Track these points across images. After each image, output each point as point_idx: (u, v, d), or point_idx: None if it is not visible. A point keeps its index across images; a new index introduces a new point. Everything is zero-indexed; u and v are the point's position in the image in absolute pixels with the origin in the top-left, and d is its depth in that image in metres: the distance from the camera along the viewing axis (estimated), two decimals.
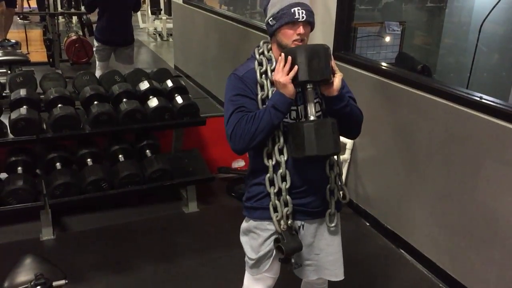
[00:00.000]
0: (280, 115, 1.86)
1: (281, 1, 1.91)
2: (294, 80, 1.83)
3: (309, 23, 1.92)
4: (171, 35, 9.84)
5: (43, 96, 3.66)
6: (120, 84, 3.77)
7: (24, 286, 2.05)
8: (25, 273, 2.23)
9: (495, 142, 2.68)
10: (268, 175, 1.96)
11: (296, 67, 1.81)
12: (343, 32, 3.83)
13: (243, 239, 2.17)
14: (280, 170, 1.94)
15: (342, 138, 3.71)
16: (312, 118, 1.89)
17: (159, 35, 10.66)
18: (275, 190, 1.96)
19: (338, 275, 2.18)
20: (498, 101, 2.73)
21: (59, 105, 3.48)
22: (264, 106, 1.91)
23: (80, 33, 7.69)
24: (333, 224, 2.10)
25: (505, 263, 2.71)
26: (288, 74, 1.82)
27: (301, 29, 1.88)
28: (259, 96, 1.94)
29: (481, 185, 2.79)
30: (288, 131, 1.92)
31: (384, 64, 3.65)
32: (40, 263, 2.35)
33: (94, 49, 5.49)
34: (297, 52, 1.83)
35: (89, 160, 3.58)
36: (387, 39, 4.25)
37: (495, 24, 4.31)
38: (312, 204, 2.05)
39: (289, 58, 1.82)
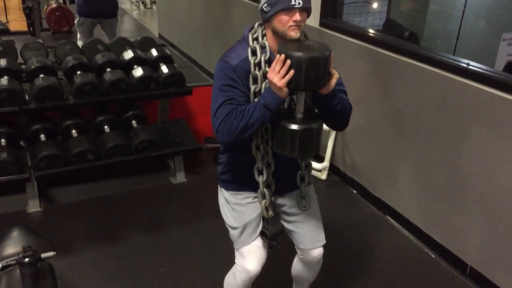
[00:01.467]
0: (271, 114, 1.82)
1: None
2: (288, 84, 1.75)
3: (306, 9, 1.82)
4: (154, 2, 9.63)
5: (24, 66, 3.57)
6: (104, 53, 3.69)
7: (12, 259, 2.04)
8: (12, 245, 2.21)
9: (481, 108, 2.69)
10: (257, 165, 1.99)
11: (292, 72, 1.72)
12: None
13: (224, 210, 2.20)
14: (267, 158, 1.99)
15: None
16: (299, 116, 1.86)
17: (142, 2, 10.43)
18: (264, 179, 2.00)
19: (320, 239, 2.21)
20: (484, 67, 2.73)
21: (41, 75, 3.40)
22: (256, 99, 1.86)
23: (61, 0, 7.48)
24: (305, 207, 2.14)
25: (488, 227, 2.77)
26: (284, 78, 1.73)
27: (297, 16, 1.79)
28: (252, 89, 1.88)
29: (466, 151, 2.82)
30: (273, 127, 1.90)
31: (371, 31, 3.62)
32: (28, 235, 2.33)
33: (76, 22, 5.33)
34: (297, 59, 1.72)
35: (73, 131, 3.53)
36: (375, 5, 4.21)
37: None
38: (283, 184, 2.11)
39: (288, 62, 1.72)
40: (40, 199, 3.46)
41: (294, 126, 1.81)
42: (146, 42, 4.09)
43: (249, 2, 4.79)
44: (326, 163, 3.93)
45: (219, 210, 2.23)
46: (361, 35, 3.54)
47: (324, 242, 2.22)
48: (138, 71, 3.62)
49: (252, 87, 1.88)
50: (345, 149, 3.87)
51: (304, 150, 1.86)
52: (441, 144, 2.99)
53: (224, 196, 2.18)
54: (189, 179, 3.92)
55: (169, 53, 4.00)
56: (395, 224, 3.43)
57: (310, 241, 2.20)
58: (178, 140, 3.95)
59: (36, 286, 1.98)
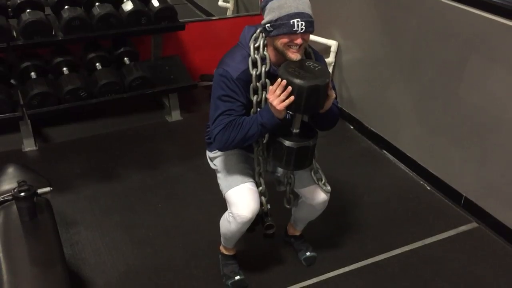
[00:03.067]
0: (267, 131, 1.94)
1: (280, 8, 1.78)
2: (287, 108, 1.82)
3: (309, 32, 1.83)
4: None
5: (9, 2, 3.43)
6: None
7: (8, 194, 2.04)
8: (8, 181, 2.20)
9: (483, 36, 2.61)
10: (257, 169, 2.12)
11: (292, 98, 1.78)
12: None
13: (211, 162, 2.28)
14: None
15: (327, 40, 3.61)
16: (295, 131, 1.95)
17: None
18: (261, 170, 2.12)
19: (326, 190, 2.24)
20: None
21: (28, 10, 3.27)
22: (258, 109, 1.94)
23: None
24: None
25: (483, 160, 2.77)
26: (283, 102, 1.79)
27: (299, 41, 1.81)
28: (254, 100, 1.95)
29: (465, 81, 2.77)
30: (270, 142, 2.01)
31: None
32: (24, 171, 2.32)
33: None
34: (298, 87, 1.76)
35: (65, 68, 3.44)
36: None
37: None
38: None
39: (289, 88, 1.77)
40: (35, 138, 3.44)
41: (291, 144, 1.91)
42: None
43: None
44: None
45: None
46: None
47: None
48: (128, 5, 3.48)
49: (254, 98, 1.95)
50: (342, 84, 3.81)
51: (299, 165, 1.99)
52: (440, 75, 2.93)
53: (209, 156, 2.28)
54: (185, 117, 3.89)
55: None
56: (392, 158, 3.43)
57: (313, 181, 2.19)
58: (173, 77, 3.88)
59: (34, 220, 1.99)
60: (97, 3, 3.44)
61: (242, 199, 2.07)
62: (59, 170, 3.20)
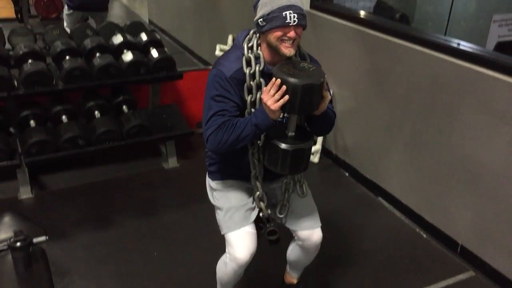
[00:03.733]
0: (261, 132, 1.89)
1: (272, 2, 1.81)
2: (282, 108, 1.79)
3: (301, 25, 1.84)
4: None
5: (12, 52, 3.53)
6: (93, 38, 3.65)
7: (4, 243, 2.04)
8: (4, 230, 2.22)
9: (472, 88, 2.69)
10: (253, 173, 2.06)
11: (287, 97, 1.76)
12: None
13: (210, 195, 2.24)
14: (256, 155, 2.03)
15: None
16: (290, 134, 1.91)
17: None
18: (257, 173, 2.05)
19: (315, 222, 2.21)
20: (475, 47, 2.73)
21: (29, 61, 3.36)
22: (252, 109, 1.91)
23: None
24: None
25: (479, 207, 2.79)
26: (278, 101, 1.77)
27: (292, 33, 1.81)
28: (248, 100, 1.92)
29: (457, 131, 2.83)
30: (265, 145, 1.96)
31: (362, 12, 3.60)
32: (20, 220, 2.34)
33: (64, 11, 5.24)
34: (292, 85, 1.74)
35: (64, 117, 3.50)
36: None
37: None
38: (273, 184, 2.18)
39: (283, 88, 1.75)
40: (31, 185, 3.45)
41: (286, 146, 1.87)
42: (135, 27, 4.05)
43: None
44: (318, 146, 3.94)
45: None
46: (352, 17, 3.52)
47: (319, 224, 2.22)
48: (128, 56, 3.58)
49: (248, 98, 1.91)
50: (337, 132, 3.88)
51: (294, 168, 1.93)
52: (432, 124, 2.99)
53: (210, 185, 2.23)
54: (181, 164, 3.92)
55: (159, 37, 3.96)
56: (387, 205, 3.45)
57: (308, 223, 2.19)
58: (170, 125, 3.93)
59: (28, 270, 1.98)
60: (98, 54, 3.53)
61: (240, 242, 2.08)
62: (54, 218, 3.19)
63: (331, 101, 2.01)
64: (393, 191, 3.41)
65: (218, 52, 4.94)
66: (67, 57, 3.45)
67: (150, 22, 7.56)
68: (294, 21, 1.80)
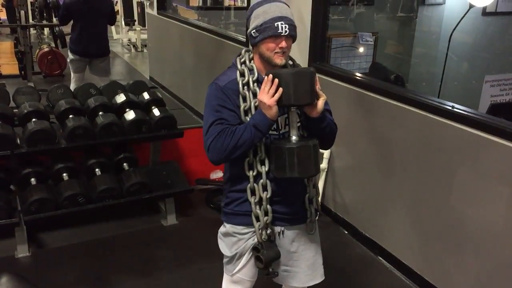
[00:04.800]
0: (261, 135, 1.89)
1: (264, 13, 1.91)
2: (279, 102, 1.84)
3: (292, 37, 1.94)
4: (145, 46, 9.80)
5: (16, 111, 3.60)
6: (96, 97, 3.74)
7: None
8: None
9: (467, 149, 2.75)
10: (249, 184, 1.99)
11: (281, 90, 1.82)
12: (318, 43, 3.89)
13: (221, 242, 2.22)
14: (261, 180, 1.98)
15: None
16: (294, 138, 1.92)
17: (134, 46, 10.60)
18: (256, 200, 1.99)
19: (317, 276, 2.21)
20: (469, 110, 2.81)
21: (33, 120, 3.43)
22: (247, 117, 1.93)
23: (53, 44, 7.59)
24: (312, 232, 2.17)
25: (479, 268, 2.78)
26: (273, 96, 1.83)
27: (283, 43, 1.90)
28: (241, 108, 1.95)
29: (454, 191, 2.86)
30: (270, 150, 1.95)
31: (358, 74, 3.72)
32: (17, 282, 2.30)
33: (68, 60, 5.42)
34: (284, 76, 1.83)
35: (65, 174, 3.53)
36: (361, 49, 4.33)
37: (464, 33, 4.44)
38: (292, 211, 2.10)
39: (276, 80, 1.83)
40: (29, 243, 3.42)
41: (290, 144, 1.89)
42: (138, 86, 4.16)
43: (239, 46, 4.90)
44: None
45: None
46: (348, 78, 3.63)
47: (323, 277, 2.22)
48: (130, 115, 3.66)
49: (242, 106, 1.95)
50: (336, 190, 3.90)
51: (303, 168, 1.89)
52: (430, 184, 3.03)
53: (225, 227, 2.17)
54: (181, 221, 3.91)
55: (160, 96, 4.06)
56: (387, 264, 3.42)
57: (305, 278, 2.18)
58: (169, 182, 3.96)
59: None
60: (100, 113, 3.61)
61: (235, 286, 2.16)
62: (52, 278, 3.15)
63: (331, 113, 2.08)
64: (393, 250, 3.39)
65: None
66: (71, 116, 3.52)
67: (151, 78, 7.74)
68: (286, 31, 1.89)
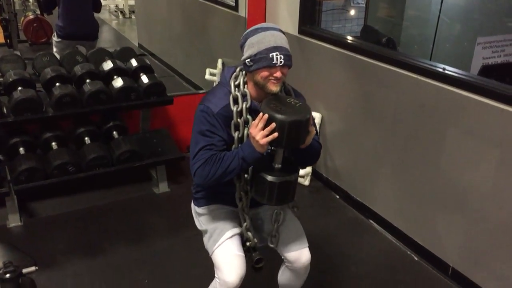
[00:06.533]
0: (248, 166, 1.96)
1: (259, 43, 1.89)
2: (270, 143, 1.86)
3: (287, 66, 1.92)
4: (133, 12, 9.59)
5: (1, 79, 3.53)
6: (83, 64, 3.66)
7: None
8: None
9: (458, 112, 2.74)
10: (239, 205, 2.12)
11: (276, 135, 1.82)
12: (308, 6, 3.82)
13: (196, 220, 2.28)
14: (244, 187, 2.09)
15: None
16: (277, 166, 1.97)
17: (121, 12, 10.37)
18: (243, 205, 2.11)
19: (303, 243, 2.23)
20: (460, 72, 2.79)
21: (19, 88, 3.36)
22: (239, 145, 1.97)
23: (38, 12, 7.41)
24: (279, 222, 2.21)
25: (468, 228, 2.81)
26: (266, 137, 1.83)
27: (278, 74, 1.89)
28: (235, 136, 1.98)
29: (445, 154, 2.87)
30: (252, 177, 2.02)
31: (349, 37, 3.67)
32: (8, 251, 2.30)
33: (54, 42, 5.25)
34: (279, 122, 1.81)
35: (53, 143, 3.49)
36: (352, 12, 4.27)
37: None
38: None
39: (272, 125, 1.82)
40: (20, 213, 3.41)
41: (272, 179, 1.94)
42: (125, 52, 4.07)
43: (228, 10, 4.81)
44: (308, 169, 3.95)
45: None
46: (339, 42, 3.58)
47: (307, 244, 2.24)
48: (118, 82, 3.60)
49: (235, 134, 1.99)
50: (327, 155, 3.90)
51: (281, 199, 2.00)
52: (421, 147, 3.03)
53: (197, 211, 2.27)
54: (172, 189, 3.91)
55: (149, 63, 3.99)
56: (378, 228, 3.46)
57: (296, 245, 2.21)
58: (160, 149, 3.94)
59: None
60: (88, 80, 3.54)
61: (228, 265, 2.08)
62: (44, 247, 3.16)
63: (317, 132, 2.08)
64: (384, 213, 3.42)
65: (208, 76, 4.98)
66: (57, 84, 3.45)
67: (140, 46, 7.60)
68: (281, 62, 1.87)
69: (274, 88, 1.91)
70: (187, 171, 4.18)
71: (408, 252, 3.20)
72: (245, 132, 1.97)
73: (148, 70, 3.86)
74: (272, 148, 1.99)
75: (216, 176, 1.94)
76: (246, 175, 2.05)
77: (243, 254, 2.14)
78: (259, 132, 1.84)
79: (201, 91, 4.68)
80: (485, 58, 3.95)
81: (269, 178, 1.93)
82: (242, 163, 1.92)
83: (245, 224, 2.14)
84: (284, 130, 1.81)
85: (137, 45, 7.65)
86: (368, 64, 3.29)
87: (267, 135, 1.83)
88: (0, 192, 3.24)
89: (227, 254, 2.11)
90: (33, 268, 2.11)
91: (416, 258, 3.15)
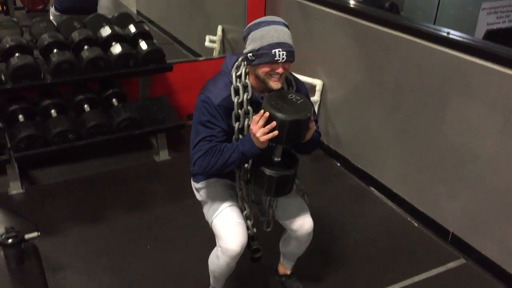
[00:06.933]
0: (247, 160, 1.99)
1: (262, 38, 1.86)
2: (270, 139, 1.87)
3: (289, 61, 1.90)
4: None
5: None
6: (80, 30, 3.60)
7: None
8: None
9: (462, 77, 2.71)
10: (239, 194, 2.15)
11: (276, 133, 1.83)
12: None
13: (200, 194, 2.28)
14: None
15: (312, 79, 3.69)
16: (276, 160, 2.00)
17: None
18: (243, 194, 2.14)
19: (304, 211, 2.24)
20: (464, 36, 2.74)
21: (17, 54, 3.31)
22: (240, 135, 1.99)
23: None
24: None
25: (468, 194, 2.82)
26: (267, 135, 1.84)
27: (280, 70, 1.89)
28: (235, 127, 1.99)
29: (448, 120, 2.84)
30: (252, 169, 2.05)
31: (351, 1, 3.59)
32: (11, 216, 2.31)
33: (51, 16, 5.13)
34: (280, 120, 1.82)
35: (53, 111, 3.46)
36: None
37: None
38: None
39: (273, 123, 1.82)
40: (21, 180, 3.42)
41: (271, 173, 1.95)
42: (123, 19, 3.99)
43: None
44: None
45: None
46: (341, 6, 3.51)
47: (309, 212, 2.24)
48: (116, 48, 3.54)
49: (236, 125, 1.99)
50: (328, 122, 3.88)
51: (279, 192, 2.03)
52: (423, 113, 3.01)
53: (195, 186, 2.29)
54: (173, 157, 3.90)
55: (147, 29, 3.92)
56: (379, 194, 3.47)
57: (298, 213, 2.22)
58: (160, 117, 3.91)
59: (21, 267, 1.97)
60: (86, 47, 3.49)
61: (229, 233, 2.09)
62: (46, 213, 3.17)
63: (316, 121, 2.07)
64: (385, 180, 3.42)
65: (207, 43, 4.91)
66: (55, 50, 3.40)
67: (138, 13, 7.46)
68: (283, 58, 1.86)
69: (275, 86, 1.91)
70: (188, 139, 4.16)
71: (408, 219, 3.22)
72: (246, 122, 1.99)
73: (147, 37, 3.79)
74: (272, 144, 1.99)
75: (216, 167, 1.96)
76: (246, 165, 2.08)
77: (243, 222, 2.14)
78: (259, 129, 1.85)
79: (200, 58, 4.62)
80: (490, 24, 3.89)
81: (268, 172, 1.95)
82: (241, 157, 1.94)
83: (245, 212, 2.17)
84: (284, 128, 1.83)
85: (135, 11, 7.52)
86: (371, 29, 3.23)
87: (268, 133, 1.84)
88: (1, 160, 3.24)
89: (227, 221, 2.11)
90: (35, 234, 2.11)
91: (416, 224, 3.17)
